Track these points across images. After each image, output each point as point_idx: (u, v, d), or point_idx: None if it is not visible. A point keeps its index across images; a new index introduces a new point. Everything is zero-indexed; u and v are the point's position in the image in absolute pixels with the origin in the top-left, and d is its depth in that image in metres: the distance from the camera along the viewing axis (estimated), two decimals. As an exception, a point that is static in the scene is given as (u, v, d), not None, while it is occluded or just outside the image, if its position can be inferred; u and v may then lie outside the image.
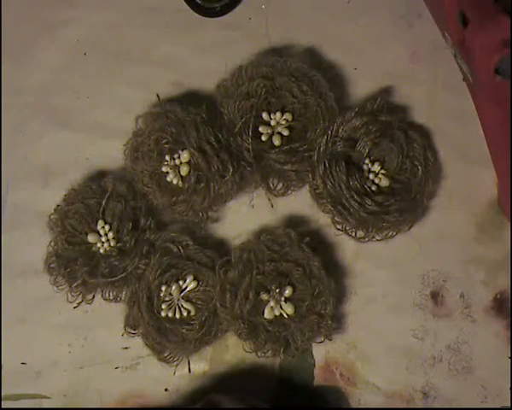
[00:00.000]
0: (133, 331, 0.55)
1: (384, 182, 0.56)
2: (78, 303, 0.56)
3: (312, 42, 0.61)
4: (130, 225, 0.55)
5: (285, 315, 0.53)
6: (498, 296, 0.56)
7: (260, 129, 0.56)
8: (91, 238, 0.55)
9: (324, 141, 0.56)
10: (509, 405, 0.55)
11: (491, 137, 0.56)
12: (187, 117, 0.56)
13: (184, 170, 0.55)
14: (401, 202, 0.55)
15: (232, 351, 0.56)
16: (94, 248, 0.55)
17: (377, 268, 0.57)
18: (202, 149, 0.55)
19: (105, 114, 0.60)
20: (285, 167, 0.56)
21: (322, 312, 0.53)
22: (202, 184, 0.55)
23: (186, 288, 0.55)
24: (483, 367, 0.55)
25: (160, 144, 0.56)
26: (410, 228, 0.56)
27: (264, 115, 0.57)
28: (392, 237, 0.56)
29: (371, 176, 0.56)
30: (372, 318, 0.56)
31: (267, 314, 0.53)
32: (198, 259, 0.55)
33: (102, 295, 0.56)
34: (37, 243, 0.57)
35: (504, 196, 0.56)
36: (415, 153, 0.56)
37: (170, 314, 0.54)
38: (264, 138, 0.56)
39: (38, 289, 0.57)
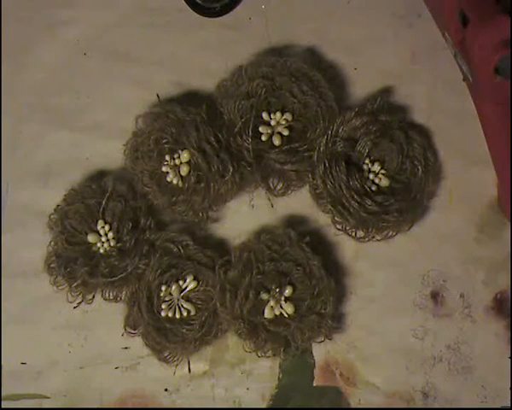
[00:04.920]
0: (133, 331, 0.55)
1: (384, 182, 0.56)
2: (78, 303, 0.56)
3: (312, 42, 0.61)
4: (130, 225, 0.55)
5: (285, 315, 0.53)
6: (498, 296, 0.56)
7: (260, 129, 0.56)
8: (91, 238, 0.55)
9: (324, 141, 0.56)
10: (509, 405, 0.55)
11: (491, 137, 0.56)
12: (187, 117, 0.56)
13: (184, 170, 0.55)
14: (401, 202, 0.55)
15: (232, 351, 0.56)
16: (94, 248, 0.55)
17: (377, 268, 0.57)
18: (202, 149, 0.55)
19: (105, 114, 0.60)
20: (285, 167, 0.56)
21: (322, 311, 0.53)
22: (202, 184, 0.55)
23: (186, 288, 0.55)
24: (483, 367, 0.55)
25: (160, 144, 0.56)
26: (410, 228, 0.56)
27: (264, 115, 0.57)
28: (392, 237, 0.56)
29: (371, 176, 0.56)
30: (372, 318, 0.56)
31: (267, 314, 0.53)
32: (198, 259, 0.55)
33: (102, 295, 0.56)
34: (37, 243, 0.57)
35: (504, 196, 0.56)
36: (415, 153, 0.56)
37: (170, 314, 0.54)
38: (264, 138, 0.56)
39: (38, 289, 0.57)
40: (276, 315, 0.53)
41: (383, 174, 0.56)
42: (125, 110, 0.59)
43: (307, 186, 0.57)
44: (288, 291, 0.54)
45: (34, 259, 0.57)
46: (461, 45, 0.53)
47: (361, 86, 0.60)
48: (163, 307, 0.54)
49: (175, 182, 0.56)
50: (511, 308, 0.56)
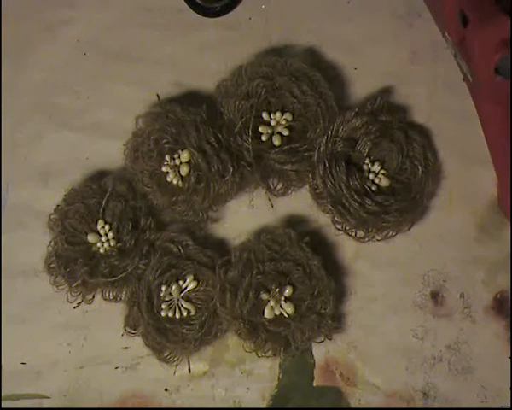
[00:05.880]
0: (133, 331, 0.55)
1: (384, 182, 0.56)
2: (78, 303, 0.56)
3: (312, 42, 0.61)
4: (130, 225, 0.55)
5: (285, 315, 0.53)
6: (498, 296, 0.56)
7: (260, 129, 0.56)
8: (91, 238, 0.55)
9: (324, 141, 0.56)
10: (509, 405, 0.55)
11: (491, 137, 0.56)
12: (187, 117, 0.56)
13: (184, 170, 0.55)
14: (401, 202, 0.55)
15: (232, 351, 0.56)
16: (94, 249, 0.55)
17: (377, 268, 0.57)
18: (202, 149, 0.55)
19: (105, 114, 0.60)
20: (285, 167, 0.56)
21: (322, 311, 0.53)
22: (202, 184, 0.55)
23: (186, 288, 0.55)
24: (483, 367, 0.55)
25: (160, 144, 0.56)
26: (410, 228, 0.56)
27: (264, 115, 0.57)
28: (392, 237, 0.56)
29: (371, 176, 0.56)
30: (372, 318, 0.56)
31: (267, 314, 0.53)
32: (198, 259, 0.55)
33: (102, 295, 0.56)
34: (37, 243, 0.57)
35: (504, 196, 0.56)
36: (415, 153, 0.56)
37: (170, 314, 0.54)
38: (264, 138, 0.56)
39: (38, 289, 0.57)
40: (276, 315, 0.53)
41: (383, 174, 0.56)
42: (125, 110, 0.59)
43: (307, 186, 0.57)
44: (287, 291, 0.54)
45: (34, 259, 0.57)
46: (461, 45, 0.53)
47: (361, 86, 0.60)
48: (163, 307, 0.54)
49: (175, 182, 0.56)
50: (511, 308, 0.56)
